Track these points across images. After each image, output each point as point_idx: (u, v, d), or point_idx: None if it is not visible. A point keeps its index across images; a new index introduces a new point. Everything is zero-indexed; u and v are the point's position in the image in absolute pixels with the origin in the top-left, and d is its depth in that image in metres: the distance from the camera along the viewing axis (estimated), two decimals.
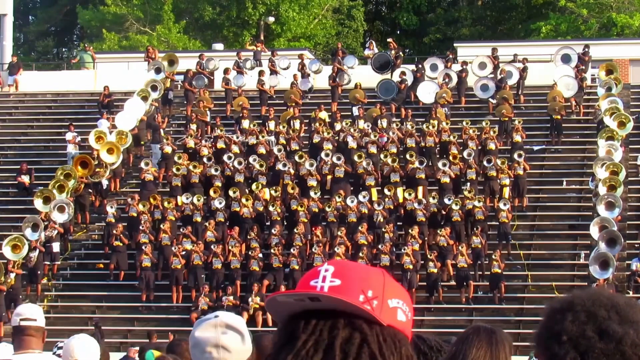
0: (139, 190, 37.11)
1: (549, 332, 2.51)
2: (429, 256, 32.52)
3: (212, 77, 42.66)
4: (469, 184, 35.14)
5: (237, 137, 37.57)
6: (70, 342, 7.03)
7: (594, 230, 32.15)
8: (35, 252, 34.07)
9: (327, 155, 35.94)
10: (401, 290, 2.34)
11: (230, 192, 35.42)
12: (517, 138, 36.94)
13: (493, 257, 32.35)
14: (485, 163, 35.58)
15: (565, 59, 40.76)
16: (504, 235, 34.02)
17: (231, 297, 32.53)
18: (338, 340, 2.23)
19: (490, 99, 39.98)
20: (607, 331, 2.44)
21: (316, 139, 37.21)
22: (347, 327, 2.24)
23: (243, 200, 34.78)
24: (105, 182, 37.70)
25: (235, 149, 37.13)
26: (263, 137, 37.42)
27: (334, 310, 2.25)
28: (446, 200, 34.37)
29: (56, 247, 35.03)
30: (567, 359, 2.45)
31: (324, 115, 38.98)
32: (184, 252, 33.46)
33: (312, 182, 35.38)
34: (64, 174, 36.30)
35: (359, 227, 33.31)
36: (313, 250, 33.00)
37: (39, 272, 34.24)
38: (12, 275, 33.30)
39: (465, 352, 4.70)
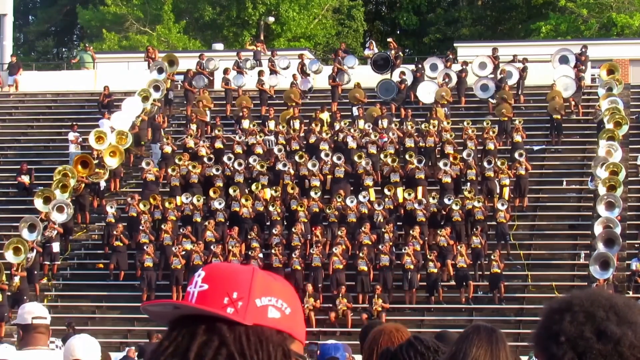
0: (139, 190, 37.12)
1: (547, 333, 2.51)
2: (429, 256, 32.51)
3: (212, 77, 42.65)
4: (469, 184, 35.14)
5: (240, 137, 37.56)
6: (71, 342, 7.03)
7: (598, 230, 32.13)
8: (32, 252, 34.06)
9: (326, 155, 35.94)
10: (276, 287, 2.37)
11: (231, 192, 35.42)
12: (517, 138, 36.93)
13: (492, 257, 32.35)
14: (485, 164, 35.58)
15: (564, 59, 40.75)
16: (502, 236, 34.02)
17: None
18: (194, 345, 2.29)
19: (490, 99, 39.98)
20: (605, 332, 2.44)
21: (312, 139, 37.21)
22: (206, 332, 2.30)
23: (243, 200, 34.78)
24: (103, 183, 37.67)
25: (237, 149, 37.10)
26: (261, 137, 37.41)
27: (200, 316, 2.32)
28: (446, 200, 34.37)
29: (56, 247, 35.03)
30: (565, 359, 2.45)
31: (325, 115, 38.98)
32: (184, 252, 33.46)
33: (315, 182, 35.39)
34: (63, 174, 36.28)
35: (362, 227, 33.31)
36: (312, 250, 33.00)
37: (35, 272, 34.21)
38: (17, 279, 33.30)
39: (465, 351, 4.70)
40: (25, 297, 33.53)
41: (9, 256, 33.44)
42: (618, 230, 32.16)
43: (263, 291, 2.34)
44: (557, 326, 2.49)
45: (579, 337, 2.45)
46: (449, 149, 36.16)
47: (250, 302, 2.32)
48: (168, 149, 37.98)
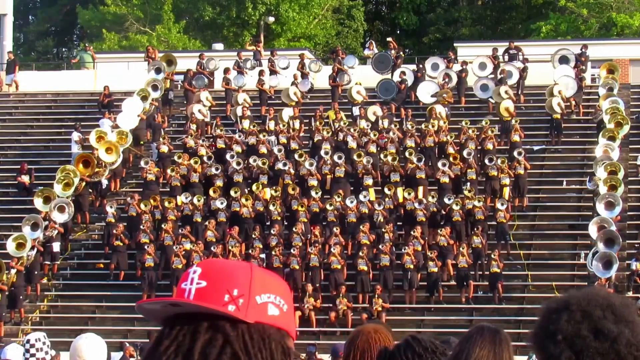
0: (139, 190, 37.12)
1: (545, 332, 2.51)
2: (429, 254, 32.51)
3: (212, 77, 42.64)
4: (469, 183, 35.14)
5: (240, 137, 37.57)
6: (77, 342, 7.00)
7: (593, 230, 32.17)
8: (33, 251, 34.07)
9: (326, 154, 35.94)
10: (274, 284, 2.34)
11: (231, 192, 35.42)
12: (516, 138, 36.92)
13: (492, 256, 32.35)
14: (486, 161, 35.57)
15: (564, 59, 40.75)
16: (501, 235, 34.02)
17: None
18: (197, 344, 2.24)
19: (490, 99, 39.97)
20: (602, 330, 2.45)
21: (317, 137, 37.24)
22: (209, 330, 2.25)
23: (243, 200, 34.78)
24: (104, 182, 37.69)
25: (237, 148, 37.09)
26: (264, 136, 37.41)
27: (200, 314, 2.26)
28: (446, 200, 34.36)
29: (56, 247, 35.03)
30: (563, 358, 2.45)
31: (332, 115, 39.03)
32: (184, 252, 33.46)
33: (313, 182, 35.39)
34: (66, 173, 36.30)
35: (361, 227, 33.31)
36: (309, 250, 32.99)
37: (35, 272, 34.23)
38: (13, 272, 33.29)
39: (468, 352, 4.70)
40: (20, 297, 33.58)
41: (11, 248, 33.45)
42: (613, 229, 32.14)
43: (262, 288, 2.31)
44: (555, 325, 2.50)
45: (576, 335, 2.46)
46: (450, 150, 36.13)
47: (251, 299, 2.29)
48: (165, 149, 37.98)
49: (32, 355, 7.59)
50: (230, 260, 2.47)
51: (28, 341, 7.79)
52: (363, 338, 5.33)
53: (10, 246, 33.50)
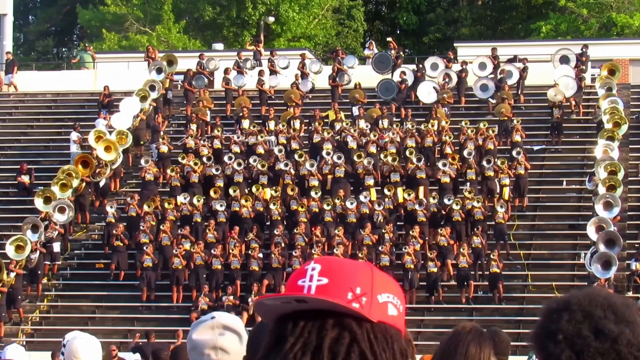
0: (138, 190, 37.11)
1: (545, 332, 2.51)
2: (429, 256, 32.53)
3: (212, 77, 42.64)
4: (468, 184, 35.14)
5: (238, 137, 37.58)
6: (72, 343, 6.99)
7: (591, 231, 32.17)
8: (35, 253, 34.06)
9: (327, 154, 35.95)
10: (391, 284, 2.31)
11: (231, 192, 35.43)
12: (517, 138, 36.94)
13: (492, 256, 32.36)
14: (484, 163, 35.58)
15: (564, 59, 40.76)
16: (500, 235, 34.02)
17: (231, 297, 32.56)
18: (326, 341, 2.20)
19: (490, 99, 39.98)
20: (603, 330, 2.45)
21: (316, 138, 37.25)
22: (335, 327, 2.21)
23: (243, 200, 34.78)
24: (103, 181, 37.66)
25: (235, 148, 37.12)
26: (263, 137, 37.43)
27: (323, 310, 2.22)
28: (446, 201, 34.37)
29: (57, 247, 35.03)
30: (563, 358, 2.45)
31: (332, 115, 39.02)
32: (184, 252, 33.47)
33: (314, 182, 35.39)
34: (67, 174, 36.31)
35: (363, 228, 33.30)
36: (312, 250, 33.00)
37: (39, 272, 34.26)
38: (12, 275, 33.32)
39: (456, 349, 4.72)
40: (19, 297, 33.59)
41: (10, 252, 33.46)
42: (613, 230, 32.13)
43: (383, 287, 2.28)
44: (555, 325, 2.50)
45: (576, 335, 2.46)
46: (448, 149, 36.15)
47: (374, 297, 2.25)
48: (164, 149, 37.99)
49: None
50: (348, 258, 2.45)
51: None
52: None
53: (10, 249, 33.47)
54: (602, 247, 31.34)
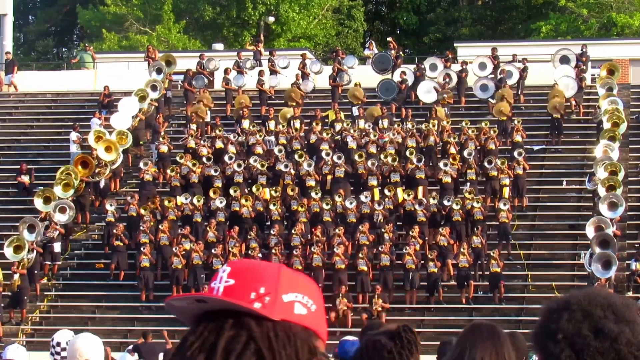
0: (138, 190, 37.12)
1: (545, 331, 2.52)
2: (429, 256, 32.52)
3: (212, 77, 42.65)
4: (468, 184, 35.15)
5: (235, 137, 37.56)
6: (75, 343, 6.99)
7: (590, 231, 32.17)
8: (32, 253, 34.05)
9: (327, 154, 35.95)
10: (302, 284, 2.35)
11: (231, 192, 35.43)
12: (517, 138, 36.95)
13: (492, 255, 32.36)
14: (485, 163, 35.59)
15: (564, 59, 40.77)
16: (504, 235, 34.02)
17: None
18: (222, 340, 2.26)
19: (490, 99, 39.98)
20: (603, 330, 2.45)
21: (313, 138, 37.25)
22: (234, 327, 2.27)
23: (243, 200, 34.79)
24: (102, 182, 37.66)
25: (231, 148, 37.08)
26: (262, 137, 37.42)
27: (226, 311, 2.29)
28: (445, 202, 34.36)
29: (57, 247, 35.04)
30: (563, 357, 2.45)
31: (332, 115, 39.00)
32: (183, 252, 33.48)
33: (310, 182, 35.39)
34: (66, 174, 36.32)
35: (360, 227, 33.31)
36: (312, 250, 33.01)
37: (36, 272, 34.23)
38: (16, 276, 33.35)
39: (470, 351, 4.68)
40: (25, 297, 33.60)
41: (9, 254, 33.48)
42: (609, 231, 32.11)
43: (290, 287, 2.32)
44: (555, 324, 2.50)
45: (576, 334, 2.46)
46: (451, 150, 36.13)
47: (278, 297, 2.29)
48: (164, 149, 37.99)
49: (57, 353, 7.60)
50: (262, 261, 2.49)
51: (58, 344, 7.79)
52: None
53: (8, 251, 33.47)
54: (597, 249, 31.31)
